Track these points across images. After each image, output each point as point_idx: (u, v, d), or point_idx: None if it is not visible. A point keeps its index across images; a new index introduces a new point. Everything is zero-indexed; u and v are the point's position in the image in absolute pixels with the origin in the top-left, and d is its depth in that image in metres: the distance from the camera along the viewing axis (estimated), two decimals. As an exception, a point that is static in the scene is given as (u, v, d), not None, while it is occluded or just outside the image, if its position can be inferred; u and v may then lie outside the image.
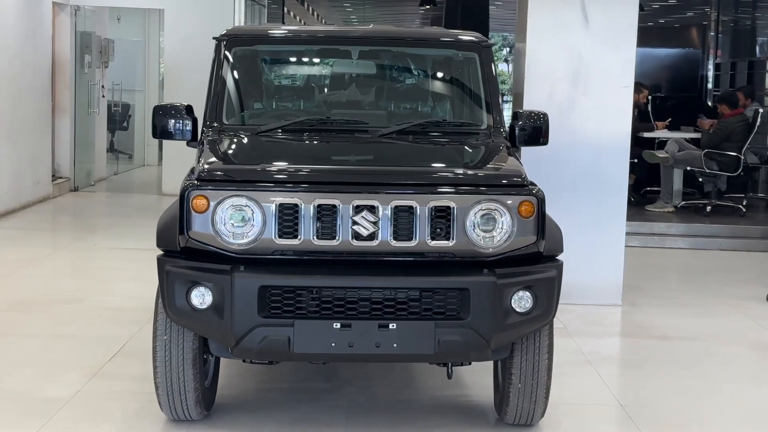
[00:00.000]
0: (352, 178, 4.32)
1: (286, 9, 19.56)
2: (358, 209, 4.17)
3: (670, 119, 12.92)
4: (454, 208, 4.20)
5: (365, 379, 5.49)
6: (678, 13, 18.93)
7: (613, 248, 7.42)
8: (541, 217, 4.30)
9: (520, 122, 5.08)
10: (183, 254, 4.29)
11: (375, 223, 4.18)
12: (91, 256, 9.11)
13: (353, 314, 4.16)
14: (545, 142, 5.17)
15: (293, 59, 5.73)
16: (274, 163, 4.51)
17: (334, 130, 5.05)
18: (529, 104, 7.21)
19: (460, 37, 5.48)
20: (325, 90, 5.64)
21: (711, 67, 16.64)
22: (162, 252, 4.38)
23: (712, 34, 16.71)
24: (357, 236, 4.18)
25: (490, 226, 4.24)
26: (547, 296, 4.29)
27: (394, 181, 4.29)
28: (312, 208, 4.17)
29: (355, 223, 4.17)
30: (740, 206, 11.43)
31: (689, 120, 12.99)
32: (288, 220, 4.18)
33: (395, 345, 4.15)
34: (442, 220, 4.21)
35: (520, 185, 4.34)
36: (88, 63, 13.77)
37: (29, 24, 11.77)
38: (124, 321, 6.55)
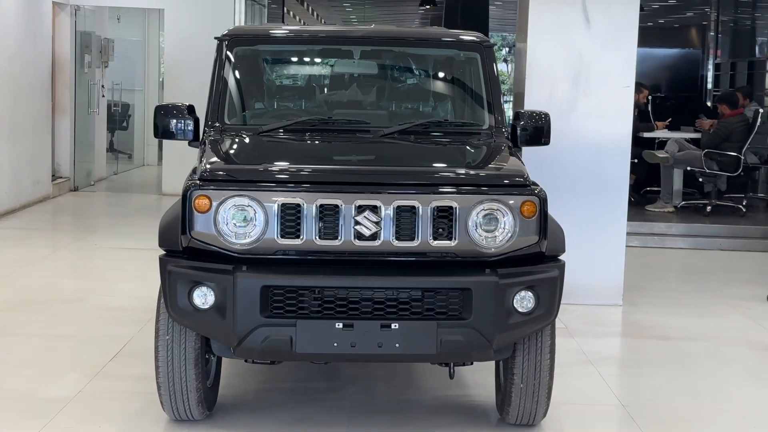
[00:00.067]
0: (354, 178, 4.32)
1: (285, 9, 19.55)
2: (360, 209, 4.17)
3: (670, 119, 12.93)
4: (456, 208, 4.20)
5: (366, 379, 5.49)
6: (678, 13, 18.93)
7: (614, 248, 7.43)
8: (543, 217, 4.30)
9: (522, 122, 5.09)
10: (185, 254, 4.28)
11: (377, 223, 4.18)
12: (91, 256, 9.10)
13: (355, 314, 4.16)
14: (547, 142, 5.17)
15: (295, 59, 5.73)
16: (277, 163, 4.51)
17: (335, 130, 5.05)
18: (530, 104, 7.21)
19: (461, 37, 5.48)
20: (327, 90, 5.64)
21: (711, 67, 16.64)
22: (164, 252, 4.38)
23: (712, 34, 16.72)
24: (359, 236, 4.18)
25: (492, 226, 4.24)
26: (549, 296, 4.29)
27: (396, 181, 4.29)
28: (314, 208, 4.17)
29: (357, 223, 4.17)
30: (740, 206, 11.43)
31: (689, 120, 12.99)
32: (290, 220, 4.18)
33: (397, 345, 4.15)
34: (444, 220, 4.21)
35: (522, 185, 4.34)
36: (88, 63, 13.77)
37: (29, 24, 11.77)
38: (124, 321, 6.55)
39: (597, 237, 7.34)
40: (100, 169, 14.62)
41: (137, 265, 8.63)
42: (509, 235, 4.24)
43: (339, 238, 4.18)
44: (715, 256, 10.00)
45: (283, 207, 4.17)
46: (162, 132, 5.02)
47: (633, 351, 6.53)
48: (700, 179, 11.73)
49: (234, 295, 4.11)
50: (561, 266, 4.37)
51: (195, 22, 12.96)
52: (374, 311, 4.16)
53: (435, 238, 4.21)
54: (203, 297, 4.18)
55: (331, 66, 5.68)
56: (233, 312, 4.12)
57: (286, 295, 4.15)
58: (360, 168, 4.67)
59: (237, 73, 5.28)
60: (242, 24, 12.98)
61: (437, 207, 4.20)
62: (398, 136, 4.95)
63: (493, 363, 4.92)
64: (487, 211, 4.23)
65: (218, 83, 5.14)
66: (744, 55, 16.38)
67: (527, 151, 6.01)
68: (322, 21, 28.28)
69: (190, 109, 5.02)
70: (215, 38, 5.32)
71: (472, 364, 4.64)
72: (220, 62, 5.19)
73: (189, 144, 5.10)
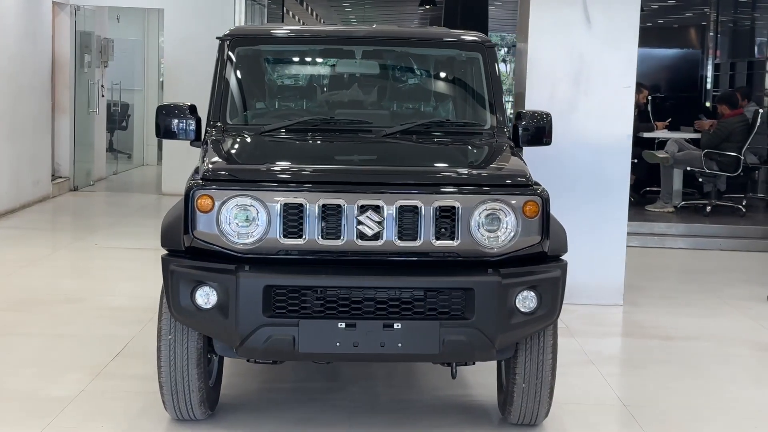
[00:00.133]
0: (356, 177, 4.32)
1: (285, 9, 19.55)
2: (362, 209, 4.18)
3: (669, 119, 12.93)
4: (458, 208, 4.20)
5: (368, 378, 5.49)
6: (677, 13, 18.94)
7: (615, 248, 7.44)
8: (546, 217, 4.30)
9: (524, 122, 5.09)
10: (188, 254, 4.28)
11: (380, 223, 4.18)
12: (92, 256, 9.10)
13: (358, 314, 4.16)
14: (548, 142, 5.18)
15: (296, 59, 5.73)
16: (279, 163, 4.52)
17: (337, 130, 5.06)
18: (531, 104, 7.22)
19: (463, 37, 5.48)
20: (329, 90, 5.64)
21: (710, 67, 16.65)
22: (167, 252, 4.38)
23: (712, 34, 16.72)
24: (362, 236, 4.18)
25: (494, 226, 4.24)
26: (552, 296, 4.29)
27: (398, 181, 4.30)
28: (317, 207, 4.17)
29: (359, 222, 4.17)
30: (740, 206, 11.44)
31: (689, 120, 13.00)
32: (293, 219, 4.18)
33: (400, 345, 4.16)
34: (446, 220, 4.21)
35: (524, 185, 4.34)
36: (87, 62, 13.76)
37: (29, 23, 11.77)
38: (125, 321, 6.55)
39: (598, 237, 7.35)
40: (99, 168, 14.62)
41: (137, 264, 8.64)
42: (512, 235, 4.25)
43: (341, 237, 4.18)
44: (715, 256, 10.00)
45: (286, 207, 4.18)
46: (164, 132, 5.02)
47: (634, 351, 6.53)
48: (700, 179, 11.74)
49: (237, 295, 4.11)
50: (563, 266, 4.38)
51: (195, 21, 12.96)
52: (377, 311, 4.16)
53: (437, 238, 4.21)
54: (206, 297, 4.18)
55: (333, 66, 5.68)
56: (236, 312, 4.12)
57: (289, 295, 4.15)
58: (362, 168, 4.67)
59: (239, 73, 5.28)
60: (242, 24, 12.98)
61: (440, 207, 4.20)
62: (400, 136, 4.95)
63: (494, 363, 4.93)
64: (489, 211, 4.23)
65: (220, 83, 5.14)
66: (743, 56, 16.38)
67: (527, 151, 6.01)
68: (322, 21, 28.28)
69: (192, 109, 5.02)
70: (217, 38, 5.32)
71: (474, 364, 4.64)
72: (221, 62, 5.20)
73: (191, 144, 5.10)
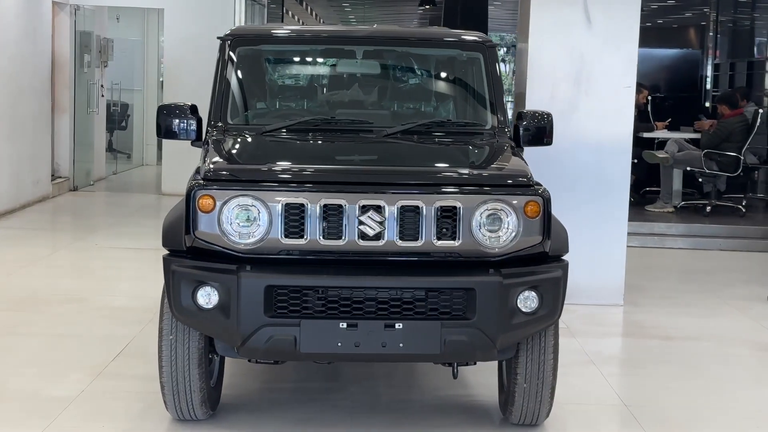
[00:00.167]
0: (358, 178, 4.32)
1: (284, 9, 19.54)
2: (364, 209, 4.18)
3: (669, 119, 12.93)
4: (460, 208, 4.21)
5: (369, 378, 5.49)
6: (677, 13, 18.94)
7: (615, 248, 7.44)
8: (547, 217, 4.30)
9: (525, 122, 5.09)
10: (189, 254, 4.28)
11: (381, 223, 4.18)
12: (92, 256, 9.10)
13: (359, 314, 4.16)
14: (549, 143, 5.18)
15: (298, 59, 5.74)
16: (280, 163, 4.52)
17: (338, 130, 5.06)
18: (532, 104, 7.22)
19: (464, 37, 5.49)
20: (330, 90, 5.64)
21: (710, 67, 16.65)
22: (168, 252, 4.38)
23: (711, 34, 16.72)
24: (363, 236, 4.18)
25: (496, 226, 4.24)
26: (553, 296, 4.29)
27: (400, 181, 4.30)
28: (318, 207, 4.17)
29: (361, 222, 4.17)
30: (740, 206, 11.45)
31: (688, 120, 13.00)
32: (294, 219, 4.18)
33: (401, 345, 4.16)
34: (448, 220, 4.21)
35: (525, 185, 4.34)
36: (87, 62, 13.76)
37: (29, 23, 11.76)
38: (126, 320, 6.55)
39: (598, 237, 7.35)
40: (99, 168, 14.62)
41: (137, 264, 8.64)
42: (513, 235, 4.25)
43: (343, 238, 4.18)
44: (714, 257, 10.01)
45: (287, 207, 4.18)
46: (165, 132, 5.02)
47: (635, 351, 6.54)
48: (700, 179, 11.75)
49: (238, 295, 4.11)
50: (564, 266, 4.38)
51: (195, 21, 12.96)
52: (378, 311, 4.16)
53: (439, 238, 4.21)
54: (207, 297, 4.18)
55: (334, 66, 5.68)
56: (237, 312, 4.13)
57: (290, 295, 4.15)
58: (364, 168, 4.67)
59: (240, 72, 5.28)
60: (243, 24, 12.98)
61: (441, 207, 4.20)
62: (401, 136, 4.95)
63: (495, 363, 4.93)
64: (490, 211, 4.23)
65: (221, 83, 5.14)
66: (743, 56, 16.38)
67: (528, 151, 6.00)
68: (321, 21, 28.27)
69: (193, 109, 5.02)
70: (218, 38, 5.32)
71: (475, 364, 4.64)
72: (222, 62, 5.19)
73: (192, 144, 5.10)
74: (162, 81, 15.82)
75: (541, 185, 4.38)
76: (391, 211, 4.18)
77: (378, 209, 4.18)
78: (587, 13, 7.29)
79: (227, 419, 4.79)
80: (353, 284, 4.16)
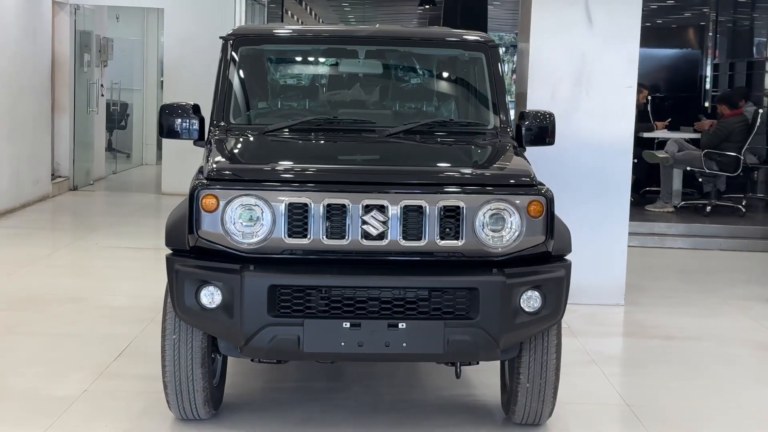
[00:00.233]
0: (361, 177, 4.32)
1: (284, 8, 19.54)
2: (367, 209, 4.18)
3: (669, 119, 12.93)
4: (463, 207, 4.21)
5: (371, 378, 5.49)
6: (676, 13, 18.94)
7: (616, 248, 7.45)
8: (550, 217, 4.30)
9: (527, 122, 5.10)
10: (192, 253, 4.28)
11: (384, 223, 4.18)
12: (92, 256, 9.10)
13: (363, 314, 4.16)
14: (551, 142, 5.19)
15: (300, 59, 5.74)
16: (283, 163, 4.52)
17: (341, 130, 5.06)
18: (533, 104, 7.22)
19: (466, 37, 5.49)
20: (332, 89, 5.64)
21: (709, 67, 16.65)
22: (171, 251, 4.38)
23: (711, 34, 16.73)
24: (366, 236, 4.18)
25: (499, 226, 4.24)
26: (556, 296, 4.30)
27: (403, 180, 4.30)
28: (321, 207, 4.17)
29: (364, 222, 4.18)
30: (740, 206, 11.46)
31: (688, 120, 13.00)
32: (297, 219, 4.18)
33: (405, 344, 4.16)
34: (451, 220, 4.21)
35: (529, 185, 4.35)
36: (87, 62, 13.76)
37: (29, 23, 11.76)
38: (127, 320, 6.55)
39: (599, 237, 7.35)
40: (99, 168, 14.61)
41: (138, 264, 8.64)
42: (516, 234, 4.25)
43: (346, 237, 4.18)
44: (715, 256, 10.02)
45: (291, 206, 4.18)
46: (167, 131, 5.01)
47: (636, 351, 6.54)
48: (700, 179, 11.75)
49: (241, 295, 4.11)
50: (567, 266, 4.38)
51: (195, 21, 12.96)
52: (381, 311, 4.16)
53: (442, 238, 4.21)
54: (210, 296, 4.18)
55: (336, 66, 5.68)
56: (240, 311, 4.12)
57: (294, 295, 4.15)
58: (367, 168, 4.67)
59: (242, 72, 5.28)
60: (243, 24, 12.98)
61: (444, 207, 4.21)
62: (404, 135, 4.95)
63: (497, 362, 4.93)
64: (494, 211, 4.24)
65: (223, 83, 5.14)
66: (743, 56, 16.39)
67: (528, 151, 6.01)
68: (320, 21, 28.26)
69: (196, 109, 5.01)
70: (220, 37, 5.32)
71: (478, 363, 4.64)
72: (225, 62, 5.19)
73: (194, 143, 5.10)
74: (162, 81, 15.82)
75: (544, 185, 4.39)
76: (394, 210, 4.18)
77: (381, 209, 4.18)
78: (588, 12, 7.29)
79: (230, 418, 4.79)
80: (356, 284, 4.16)
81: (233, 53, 5.23)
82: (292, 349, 4.17)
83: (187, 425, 4.68)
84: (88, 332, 6.31)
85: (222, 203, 4.18)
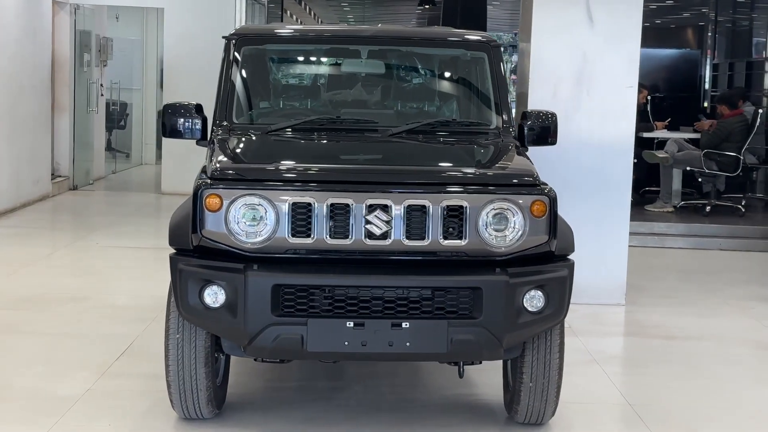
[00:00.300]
0: (365, 177, 4.32)
1: (283, 8, 19.53)
2: (371, 208, 4.18)
3: (669, 119, 12.94)
4: (466, 207, 4.22)
5: (373, 378, 5.49)
6: (676, 13, 18.95)
7: (617, 248, 7.46)
8: (553, 217, 4.31)
9: (529, 122, 5.10)
10: (196, 253, 4.29)
11: (388, 222, 4.19)
12: (93, 255, 9.10)
13: (366, 313, 4.17)
14: (554, 142, 5.19)
15: (302, 58, 5.74)
16: (287, 163, 4.52)
17: (343, 130, 5.06)
18: (534, 104, 7.23)
19: (468, 36, 5.50)
20: (335, 89, 5.65)
21: (709, 67, 16.66)
22: (174, 251, 4.39)
23: (710, 34, 16.74)
24: (370, 235, 4.19)
25: (502, 226, 4.25)
26: (559, 295, 4.31)
27: (407, 180, 4.30)
28: (325, 207, 4.18)
29: (368, 222, 4.18)
30: (739, 206, 11.47)
31: (688, 120, 13.01)
32: (301, 219, 4.19)
33: (408, 344, 4.16)
34: (454, 220, 4.22)
35: (532, 185, 4.35)
36: (87, 61, 13.76)
37: (29, 22, 11.76)
38: (129, 319, 6.56)
39: (599, 237, 7.36)
40: (98, 167, 14.61)
41: (139, 263, 8.65)
42: (519, 234, 4.26)
43: (350, 237, 4.19)
44: (714, 256, 10.03)
45: (294, 206, 4.18)
46: (170, 131, 5.01)
47: (637, 350, 6.55)
48: (699, 179, 11.76)
49: (245, 294, 4.12)
50: (570, 266, 4.39)
51: (194, 21, 12.96)
52: (385, 310, 4.17)
53: (445, 238, 4.22)
54: (214, 296, 4.19)
55: (339, 65, 5.69)
56: (244, 311, 4.13)
57: (297, 294, 4.16)
58: (371, 167, 4.68)
59: (245, 72, 5.28)
60: (244, 23, 12.98)
61: (448, 206, 4.21)
62: (406, 135, 4.96)
63: (500, 362, 4.94)
64: (497, 211, 4.24)
65: (226, 82, 5.14)
66: (742, 56, 16.40)
67: (530, 151, 6.01)
68: (320, 21, 28.26)
69: (198, 108, 5.02)
70: (223, 37, 5.32)
71: (481, 363, 4.64)
72: (227, 61, 5.20)
73: (197, 143, 5.10)
74: (162, 80, 15.81)
75: (547, 185, 4.40)
76: (397, 210, 4.19)
77: (385, 208, 4.19)
78: (589, 12, 7.30)
79: (233, 418, 4.80)
80: (360, 283, 4.17)
81: (236, 53, 5.23)
82: (296, 349, 4.17)
83: (190, 424, 4.69)
84: (90, 332, 6.31)
85: (226, 203, 4.19)
